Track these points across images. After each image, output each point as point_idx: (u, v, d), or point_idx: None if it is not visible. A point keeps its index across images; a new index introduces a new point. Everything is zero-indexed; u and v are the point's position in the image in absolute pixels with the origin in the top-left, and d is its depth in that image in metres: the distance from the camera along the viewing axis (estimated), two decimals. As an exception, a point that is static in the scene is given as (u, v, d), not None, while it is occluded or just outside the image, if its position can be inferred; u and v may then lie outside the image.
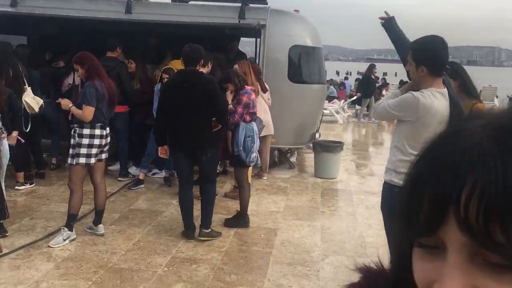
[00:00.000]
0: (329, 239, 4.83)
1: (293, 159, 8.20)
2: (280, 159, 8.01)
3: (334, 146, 7.22)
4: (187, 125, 4.38)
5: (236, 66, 5.66)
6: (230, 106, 4.88)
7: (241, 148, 4.79)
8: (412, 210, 0.49)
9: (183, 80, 4.47)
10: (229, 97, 4.93)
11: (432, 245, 0.48)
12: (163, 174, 6.58)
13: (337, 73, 41.97)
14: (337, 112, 14.47)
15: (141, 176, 6.30)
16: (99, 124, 4.38)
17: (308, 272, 4.06)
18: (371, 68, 14.87)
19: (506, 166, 0.43)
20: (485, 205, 0.42)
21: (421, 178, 0.48)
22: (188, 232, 4.60)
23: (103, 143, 4.43)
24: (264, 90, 6.55)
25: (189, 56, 4.56)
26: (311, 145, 7.57)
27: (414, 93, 2.83)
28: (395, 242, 0.56)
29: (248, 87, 4.99)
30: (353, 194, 6.52)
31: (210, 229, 4.61)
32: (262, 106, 6.33)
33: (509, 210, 0.42)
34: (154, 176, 6.72)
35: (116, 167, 6.75)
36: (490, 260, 0.44)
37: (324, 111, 14.26)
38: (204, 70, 4.76)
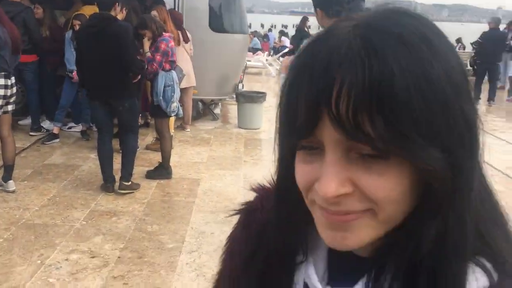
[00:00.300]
0: (252, 187, 4.91)
1: (217, 110, 8.15)
2: (204, 110, 7.93)
3: (257, 97, 7.23)
4: (100, 73, 4.14)
5: (154, 12, 5.39)
6: (148, 54, 4.69)
7: (161, 97, 4.66)
8: (290, 113, 0.49)
9: (93, 25, 4.19)
10: (147, 44, 4.72)
11: (311, 146, 0.48)
12: (79, 127, 6.28)
13: (262, 25, 41.68)
14: (270, 65, 14.48)
15: (55, 130, 5.96)
16: (3, 73, 4.04)
17: (231, 219, 4.11)
18: (304, 20, 14.80)
19: (370, 62, 0.43)
20: (353, 100, 0.43)
21: (296, 79, 0.48)
22: (107, 185, 4.46)
23: (9, 94, 4.11)
24: (186, 40, 6.35)
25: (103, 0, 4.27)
26: (235, 96, 7.54)
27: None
28: (279, 150, 0.55)
29: (166, 34, 4.80)
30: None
31: (130, 182, 4.51)
32: (184, 57, 6.15)
33: (375, 103, 0.43)
34: (70, 130, 6.40)
35: (27, 121, 6.34)
36: (363, 153, 0.45)
37: (257, 63, 14.24)
38: (119, 16, 4.48)
